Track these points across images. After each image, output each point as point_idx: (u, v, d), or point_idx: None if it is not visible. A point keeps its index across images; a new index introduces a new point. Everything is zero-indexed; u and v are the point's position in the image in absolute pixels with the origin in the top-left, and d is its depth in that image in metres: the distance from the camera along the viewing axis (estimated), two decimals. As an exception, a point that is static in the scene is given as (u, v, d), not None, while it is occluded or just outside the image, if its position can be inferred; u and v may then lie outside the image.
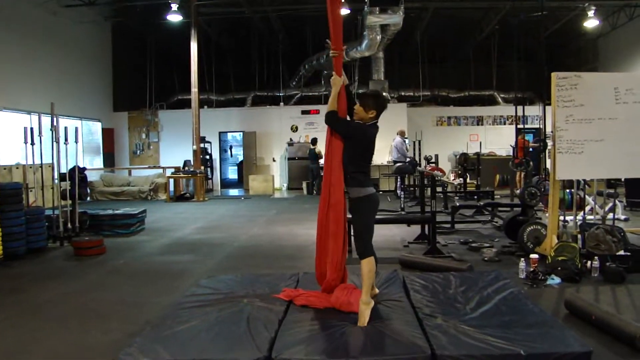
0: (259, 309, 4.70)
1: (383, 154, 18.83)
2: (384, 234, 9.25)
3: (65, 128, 9.70)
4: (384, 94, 4.50)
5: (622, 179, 11.86)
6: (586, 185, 9.22)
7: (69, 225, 9.20)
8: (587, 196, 9.56)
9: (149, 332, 4.27)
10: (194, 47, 16.86)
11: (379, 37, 16.55)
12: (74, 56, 17.71)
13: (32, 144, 9.13)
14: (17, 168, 13.10)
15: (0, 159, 13.59)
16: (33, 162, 9.31)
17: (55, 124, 9.40)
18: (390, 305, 4.79)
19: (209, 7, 17.69)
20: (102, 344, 4.39)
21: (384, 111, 4.78)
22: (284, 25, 20.61)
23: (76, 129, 10.04)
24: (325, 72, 21.03)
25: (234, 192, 20.04)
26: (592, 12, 17.26)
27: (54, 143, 9.35)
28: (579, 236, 7.07)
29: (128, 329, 4.69)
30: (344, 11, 14.97)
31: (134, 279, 6.68)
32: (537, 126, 18.46)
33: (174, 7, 15.99)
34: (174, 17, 16.48)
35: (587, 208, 9.35)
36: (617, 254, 6.36)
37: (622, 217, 10.31)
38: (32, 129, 9.24)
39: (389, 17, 14.56)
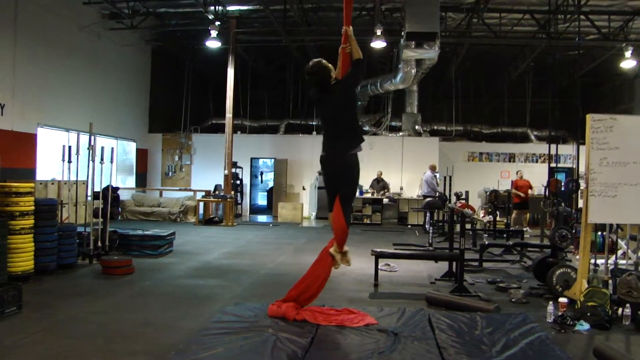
0: (283, 340, 4.71)
1: (413, 187, 18.81)
2: (411, 269, 9.20)
3: (102, 148, 9.94)
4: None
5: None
6: (619, 229, 9.05)
7: (99, 243, 9.35)
8: (619, 240, 9.38)
9: (173, 356, 4.31)
10: (230, 73, 17.14)
11: (413, 71, 16.66)
12: (113, 77, 18.16)
13: (69, 161, 9.35)
14: (52, 184, 13.41)
15: (37, 174, 13.91)
16: (69, 178, 9.52)
17: (92, 143, 9.63)
18: (416, 344, 4.76)
19: (248, 34, 18.04)
20: (126, 365, 4.44)
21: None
22: (320, 55, 20.79)
23: (112, 149, 10.28)
24: (359, 102, 21.17)
25: (262, 218, 20.12)
26: (630, 52, 17.10)
27: (90, 162, 9.56)
28: (610, 282, 6.92)
29: (153, 351, 4.73)
30: (381, 44, 15.11)
31: (161, 301, 6.73)
32: (570, 165, 18.26)
33: (214, 33, 16.32)
34: (213, 44, 16.80)
35: (619, 252, 9.16)
36: (650, 302, 6.21)
37: (656, 263, 10.06)
38: (70, 147, 9.47)
39: (425, 51, 14.63)
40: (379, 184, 18.53)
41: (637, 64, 18.39)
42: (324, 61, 5.66)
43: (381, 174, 18.62)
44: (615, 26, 16.56)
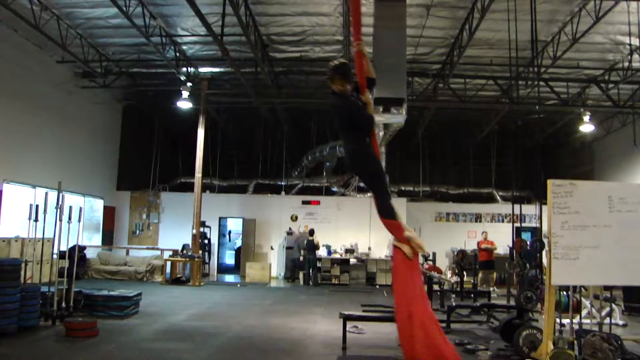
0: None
1: (381, 248, 18.89)
2: (378, 332, 9.16)
3: (70, 207, 9.83)
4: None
5: (620, 284, 11.82)
6: (582, 289, 9.22)
7: (63, 304, 9.12)
8: (583, 299, 9.54)
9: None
10: (200, 133, 17.26)
11: (381, 134, 16.98)
12: (83, 134, 18.13)
13: (36, 220, 9.22)
14: (16, 241, 13.11)
15: (0, 231, 13.56)
16: (35, 236, 9.34)
17: (60, 202, 9.53)
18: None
19: (219, 95, 18.30)
20: None
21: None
22: (290, 116, 21.20)
23: (80, 209, 10.17)
24: (328, 163, 21.43)
25: (230, 278, 19.89)
26: (588, 117, 17.83)
27: (58, 221, 9.43)
28: (576, 342, 7.02)
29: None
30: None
31: (125, 365, 6.59)
32: (535, 225, 18.62)
33: (185, 94, 16.54)
34: (184, 104, 17.01)
35: (584, 312, 9.31)
36: (614, 364, 6.31)
37: (620, 322, 10.23)
38: (37, 206, 9.35)
39: (393, 116, 14.90)
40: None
41: (595, 128, 19.17)
42: (342, 67, 5.10)
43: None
44: (574, 92, 17.32)
